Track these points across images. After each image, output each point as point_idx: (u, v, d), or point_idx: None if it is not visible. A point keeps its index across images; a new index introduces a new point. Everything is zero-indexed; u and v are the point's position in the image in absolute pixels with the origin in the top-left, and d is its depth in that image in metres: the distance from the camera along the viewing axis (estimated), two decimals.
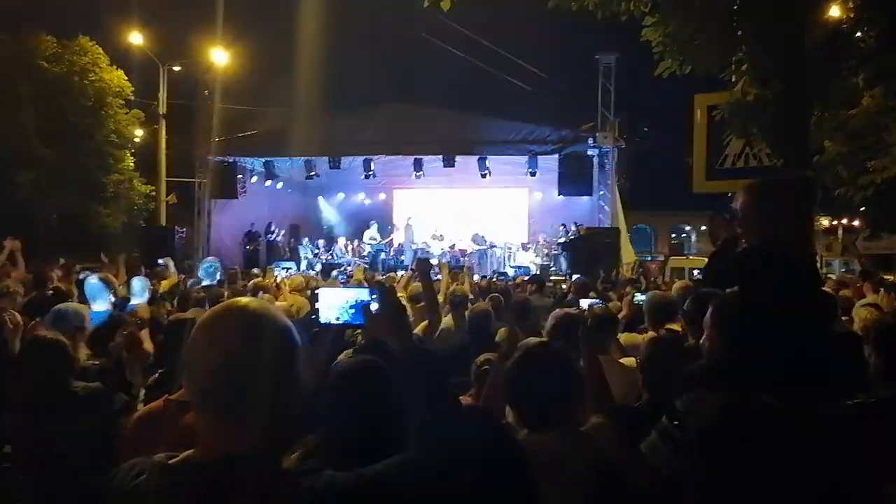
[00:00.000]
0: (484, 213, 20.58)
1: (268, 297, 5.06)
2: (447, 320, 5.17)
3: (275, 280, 8.40)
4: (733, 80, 7.30)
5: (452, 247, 19.13)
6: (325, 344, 1.88)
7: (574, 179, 16.17)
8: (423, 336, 3.28)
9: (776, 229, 2.30)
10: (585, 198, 17.21)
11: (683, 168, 11.98)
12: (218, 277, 7.28)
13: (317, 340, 1.84)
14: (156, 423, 2.12)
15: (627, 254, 15.66)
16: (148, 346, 3.35)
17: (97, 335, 3.59)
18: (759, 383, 1.80)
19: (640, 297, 5.13)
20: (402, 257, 18.45)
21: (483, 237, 18.66)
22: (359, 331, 2.43)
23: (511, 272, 17.14)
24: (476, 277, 12.01)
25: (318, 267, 16.89)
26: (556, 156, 16.29)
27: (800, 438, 1.55)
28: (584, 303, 5.00)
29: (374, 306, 1.51)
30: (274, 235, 18.42)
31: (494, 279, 12.21)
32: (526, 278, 9.96)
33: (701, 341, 2.44)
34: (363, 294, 1.70)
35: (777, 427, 1.51)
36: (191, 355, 1.18)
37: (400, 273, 10.94)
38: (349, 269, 14.94)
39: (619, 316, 4.48)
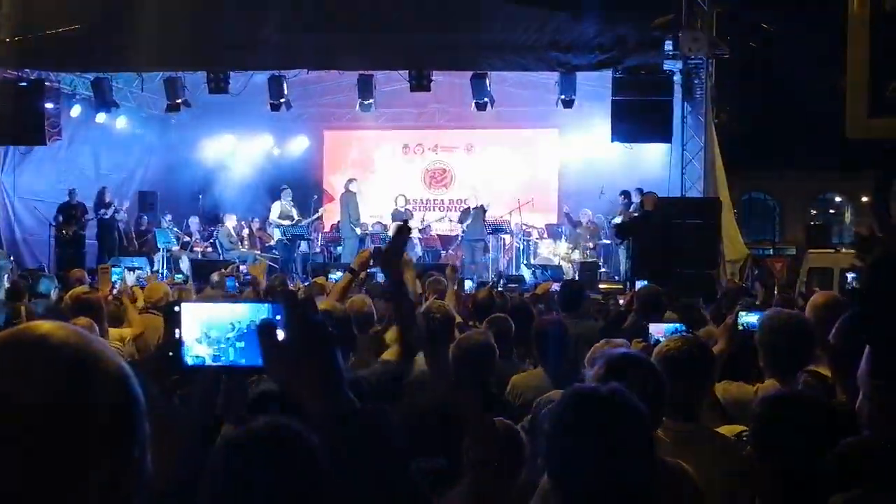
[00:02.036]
0: (482, 172, 20.67)
1: (84, 322, 5.00)
2: (416, 360, 5.18)
3: (112, 289, 8.35)
4: None
5: (426, 230, 19.14)
6: (193, 401, 1.87)
7: (640, 115, 16.22)
8: (396, 365, 3.18)
9: None
10: (660, 146, 17.37)
11: (831, 96, 12.05)
12: (5, 284, 7.26)
13: (176, 395, 1.83)
14: None
15: (734, 244, 15.77)
16: None
17: None
18: None
19: (749, 316, 5.13)
20: (339, 248, 18.43)
21: (481, 210, 18.61)
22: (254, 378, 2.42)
23: (529, 275, 17.23)
24: (469, 284, 12.01)
25: (188, 266, 16.84)
26: (609, 72, 16.33)
27: None
28: (656, 329, 5.04)
29: (280, 334, 1.50)
30: (111, 210, 18.31)
31: (500, 287, 12.24)
32: (555, 286, 10.00)
33: (857, 405, 2.46)
34: (261, 312, 1.69)
35: None
36: None
37: (334, 277, 10.91)
38: (243, 269, 14.90)
39: (715, 350, 4.50)
